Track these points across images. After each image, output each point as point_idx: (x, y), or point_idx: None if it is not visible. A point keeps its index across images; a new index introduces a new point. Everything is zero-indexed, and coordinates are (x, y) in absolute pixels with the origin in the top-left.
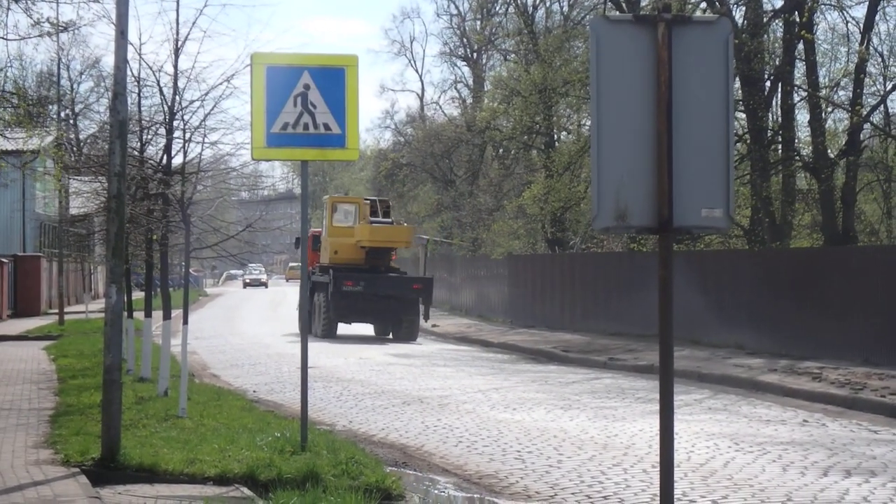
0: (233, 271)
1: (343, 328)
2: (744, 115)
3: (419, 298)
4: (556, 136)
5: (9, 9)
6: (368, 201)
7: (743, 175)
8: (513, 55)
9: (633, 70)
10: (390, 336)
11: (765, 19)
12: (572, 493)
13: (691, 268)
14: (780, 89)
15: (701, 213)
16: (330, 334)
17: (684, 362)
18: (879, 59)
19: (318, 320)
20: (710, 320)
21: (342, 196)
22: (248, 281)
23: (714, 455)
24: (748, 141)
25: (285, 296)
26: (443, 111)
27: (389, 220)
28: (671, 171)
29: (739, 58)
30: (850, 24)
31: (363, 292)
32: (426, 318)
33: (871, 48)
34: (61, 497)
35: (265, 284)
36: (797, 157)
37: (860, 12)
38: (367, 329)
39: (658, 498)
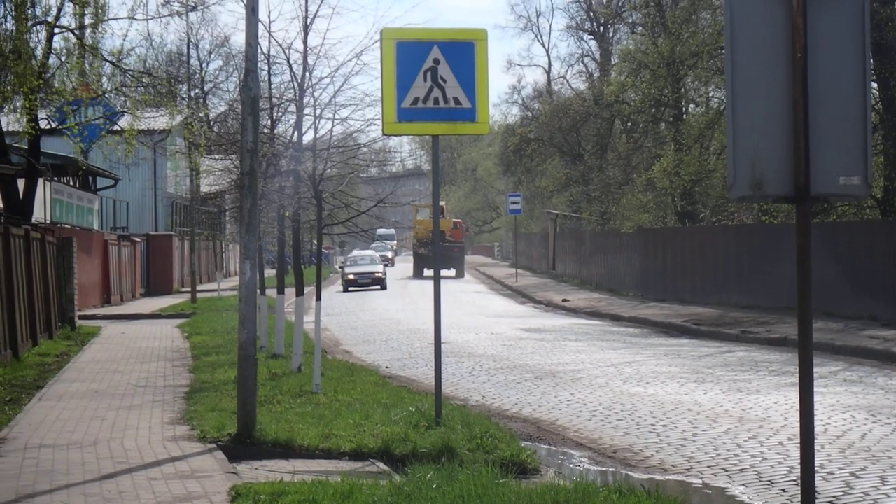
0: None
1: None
2: (875, 85)
3: (459, 256)
4: (684, 108)
5: None
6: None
7: (876, 145)
8: (640, 28)
9: (768, 38)
10: (453, 273)
11: None
12: (708, 467)
13: (824, 239)
14: None
15: (839, 180)
16: (419, 276)
17: (818, 334)
18: None
19: (413, 270)
20: (844, 292)
21: (421, 203)
22: (350, 278)
23: (851, 427)
24: (880, 110)
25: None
26: (570, 85)
27: (442, 215)
28: (808, 138)
29: (871, 26)
30: None
31: (428, 254)
32: (462, 271)
33: None
34: (198, 472)
35: (381, 282)
36: None
37: None
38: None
39: (795, 470)
